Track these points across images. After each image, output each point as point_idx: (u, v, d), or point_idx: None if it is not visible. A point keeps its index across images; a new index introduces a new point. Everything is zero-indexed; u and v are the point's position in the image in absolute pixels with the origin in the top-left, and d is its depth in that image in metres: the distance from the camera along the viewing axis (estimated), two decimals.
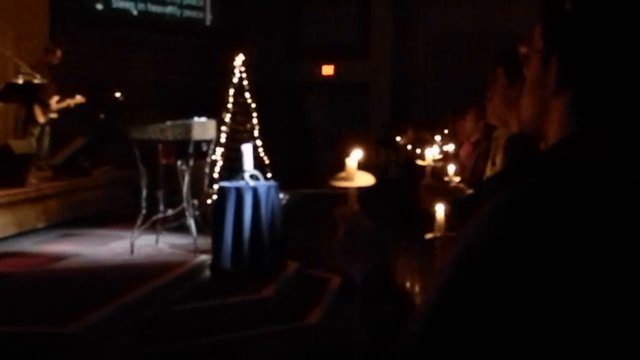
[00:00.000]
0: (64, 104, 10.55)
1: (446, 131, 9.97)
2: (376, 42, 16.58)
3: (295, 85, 16.68)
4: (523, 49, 1.35)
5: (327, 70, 16.80)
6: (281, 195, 8.67)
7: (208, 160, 8.85)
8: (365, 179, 1.74)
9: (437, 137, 9.31)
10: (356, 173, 1.73)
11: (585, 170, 1.14)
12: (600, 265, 1.06)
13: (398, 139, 12.70)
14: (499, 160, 3.44)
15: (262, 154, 10.79)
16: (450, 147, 7.59)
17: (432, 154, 3.37)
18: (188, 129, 7.85)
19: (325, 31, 16.62)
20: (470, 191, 3.28)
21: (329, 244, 1.63)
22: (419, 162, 3.59)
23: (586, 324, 1.04)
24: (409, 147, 11.38)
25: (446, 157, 6.55)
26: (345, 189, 1.70)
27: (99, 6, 13.28)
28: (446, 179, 3.90)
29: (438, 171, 4.72)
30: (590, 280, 1.05)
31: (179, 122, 7.98)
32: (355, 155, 1.74)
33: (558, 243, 1.06)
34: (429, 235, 2.17)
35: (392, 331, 1.29)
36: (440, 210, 2.20)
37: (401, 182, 11.07)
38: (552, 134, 1.27)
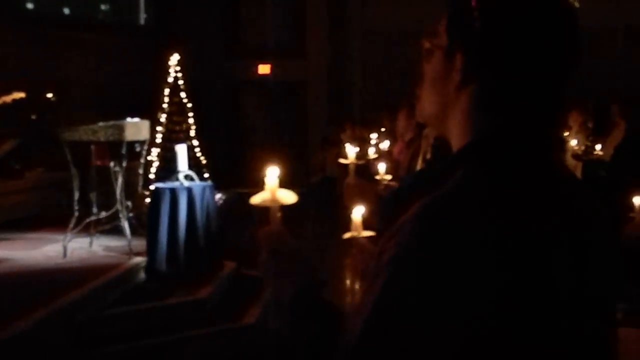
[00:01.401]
0: None
1: (383, 129, 10.05)
2: (312, 41, 16.61)
3: (232, 85, 16.61)
4: (426, 44, 1.37)
5: (264, 69, 16.76)
6: (217, 196, 8.63)
7: (142, 161, 8.76)
8: (288, 197, 1.70)
9: (373, 135, 9.37)
10: (277, 191, 1.69)
11: (494, 175, 1.21)
12: (517, 270, 1.13)
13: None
14: (429, 157, 3.50)
15: (198, 154, 10.72)
16: (384, 145, 7.65)
17: (354, 151, 3.37)
18: (120, 129, 7.74)
19: (262, 30, 16.58)
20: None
21: (256, 264, 1.61)
22: (342, 160, 3.59)
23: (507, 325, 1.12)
24: (347, 145, 11.40)
25: (380, 155, 6.60)
26: (267, 208, 1.67)
27: (30, 5, 13.01)
28: (377, 177, 3.93)
29: (372, 169, 4.75)
30: (513, 283, 1.13)
31: (111, 122, 7.87)
32: (274, 173, 1.70)
33: (475, 249, 1.12)
34: (346, 236, 2.17)
35: (321, 349, 1.33)
36: (357, 210, 2.19)
37: (338, 181, 11.13)
38: (455, 128, 1.31)
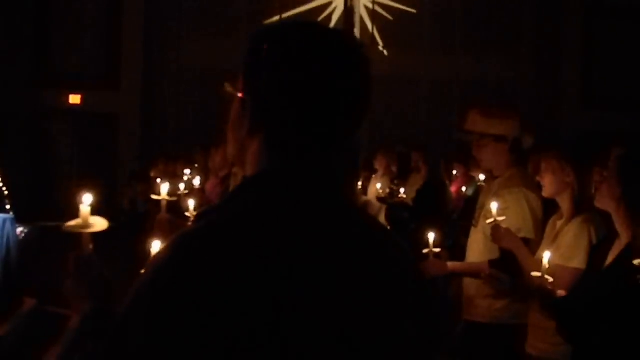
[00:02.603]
0: None
1: (196, 165, 10.01)
2: (126, 72, 16.32)
3: (40, 114, 15.95)
4: (228, 88, 1.43)
5: (74, 99, 16.24)
6: (19, 229, 8.25)
7: None
8: (100, 224, 1.72)
9: (186, 171, 9.32)
10: (89, 218, 1.71)
11: (255, 211, 1.26)
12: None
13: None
14: None
15: None
16: (196, 181, 7.63)
17: (166, 188, 3.38)
18: None
19: (73, 59, 16.09)
20: None
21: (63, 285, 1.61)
22: (154, 196, 3.58)
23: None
24: (159, 180, 11.27)
25: (192, 191, 6.58)
26: (80, 234, 1.68)
27: None
28: (187, 214, 3.94)
29: (183, 205, 4.73)
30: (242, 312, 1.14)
31: None
32: (87, 200, 1.72)
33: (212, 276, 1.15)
34: (142, 270, 2.19)
35: None
36: (157, 244, 2.23)
37: (147, 216, 10.93)
38: (249, 171, 1.37)
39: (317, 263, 1.21)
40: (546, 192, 3.92)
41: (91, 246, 1.72)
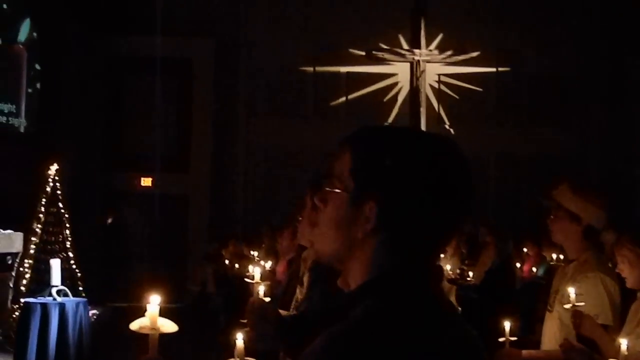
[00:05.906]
0: None
1: (263, 245, 10.06)
2: (196, 154, 16.64)
3: (112, 196, 16.34)
4: (327, 187, 1.45)
5: (146, 181, 16.62)
6: (91, 312, 8.37)
7: (13, 273, 8.43)
8: (168, 326, 1.71)
9: (254, 253, 9.36)
10: (158, 320, 1.69)
11: (393, 307, 1.34)
12: None
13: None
14: (306, 280, 3.53)
15: (73, 267, 10.40)
16: (267, 264, 7.66)
17: (259, 272, 3.42)
18: None
19: (145, 142, 16.49)
20: (286, 313, 3.30)
21: None
22: (247, 280, 3.62)
23: None
24: (227, 262, 11.37)
25: (263, 274, 6.59)
26: (147, 335, 1.67)
27: None
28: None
29: (252, 289, 4.72)
30: None
31: None
32: (155, 300, 1.71)
33: None
34: None
35: None
36: (240, 335, 2.23)
37: (218, 298, 10.98)
38: (356, 266, 1.41)
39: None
40: (628, 283, 3.84)
41: (157, 347, 1.69)
